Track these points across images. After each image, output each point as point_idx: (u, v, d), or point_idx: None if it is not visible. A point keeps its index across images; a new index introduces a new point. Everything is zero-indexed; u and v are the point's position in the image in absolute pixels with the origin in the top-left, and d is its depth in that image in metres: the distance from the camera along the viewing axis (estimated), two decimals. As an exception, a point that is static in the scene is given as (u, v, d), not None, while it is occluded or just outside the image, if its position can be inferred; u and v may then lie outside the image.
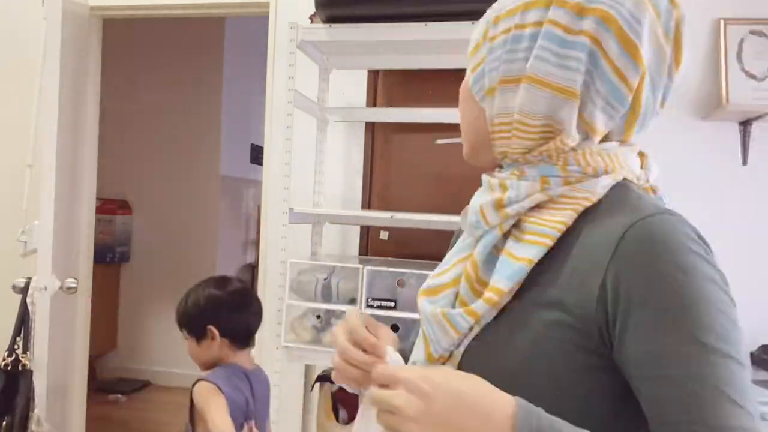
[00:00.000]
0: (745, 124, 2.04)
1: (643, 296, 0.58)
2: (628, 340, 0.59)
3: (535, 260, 0.65)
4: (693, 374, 0.56)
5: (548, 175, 0.68)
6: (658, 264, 0.58)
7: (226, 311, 1.57)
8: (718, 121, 2.06)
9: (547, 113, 0.68)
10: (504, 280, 0.66)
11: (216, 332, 1.55)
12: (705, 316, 0.57)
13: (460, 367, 0.68)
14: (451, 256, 0.78)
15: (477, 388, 0.58)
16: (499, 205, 0.70)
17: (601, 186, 0.67)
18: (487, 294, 0.67)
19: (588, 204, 0.66)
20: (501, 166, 0.76)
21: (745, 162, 2.05)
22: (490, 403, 0.57)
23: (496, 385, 0.58)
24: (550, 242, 0.65)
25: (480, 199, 0.73)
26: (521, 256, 0.66)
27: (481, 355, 0.67)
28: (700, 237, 0.61)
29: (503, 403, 0.57)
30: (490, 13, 0.74)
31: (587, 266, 0.62)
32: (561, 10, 0.66)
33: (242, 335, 1.60)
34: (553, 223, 0.66)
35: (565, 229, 0.66)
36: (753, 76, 1.98)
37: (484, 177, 0.76)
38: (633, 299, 0.59)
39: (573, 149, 0.69)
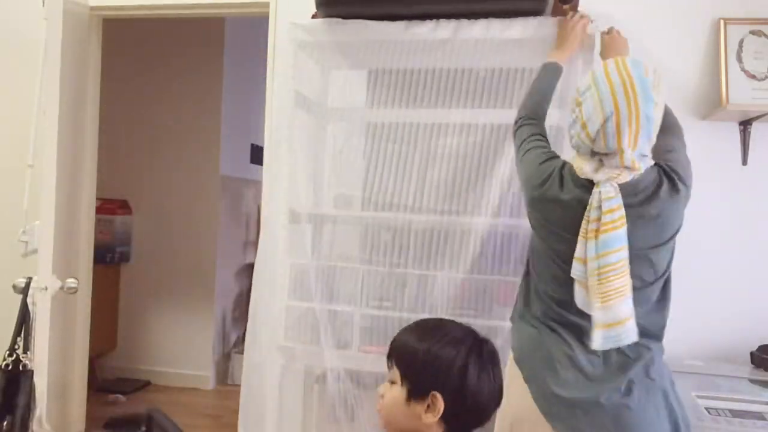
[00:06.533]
0: (745, 124, 2.04)
1: None
2: None
3: None
4: None
5: None
6: None
7: (464, 388, 1.03)
8: (718, 121, 2.06)
9: None
10: None
11: (440, 406, 1.02)
12: None
13: None
14: None
15: None
16: None
17: None
18: None
19: None
20: None
21: (745, 162, 2.05)
22: None
23: None
24: None
25: None
26: None
27: None
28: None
29: None
30: None
31: None
32: None
33: (465, 424, 1.06)
34: None
35: None
36: (753, 76, 1.99)
37: None
38: None
39: None
